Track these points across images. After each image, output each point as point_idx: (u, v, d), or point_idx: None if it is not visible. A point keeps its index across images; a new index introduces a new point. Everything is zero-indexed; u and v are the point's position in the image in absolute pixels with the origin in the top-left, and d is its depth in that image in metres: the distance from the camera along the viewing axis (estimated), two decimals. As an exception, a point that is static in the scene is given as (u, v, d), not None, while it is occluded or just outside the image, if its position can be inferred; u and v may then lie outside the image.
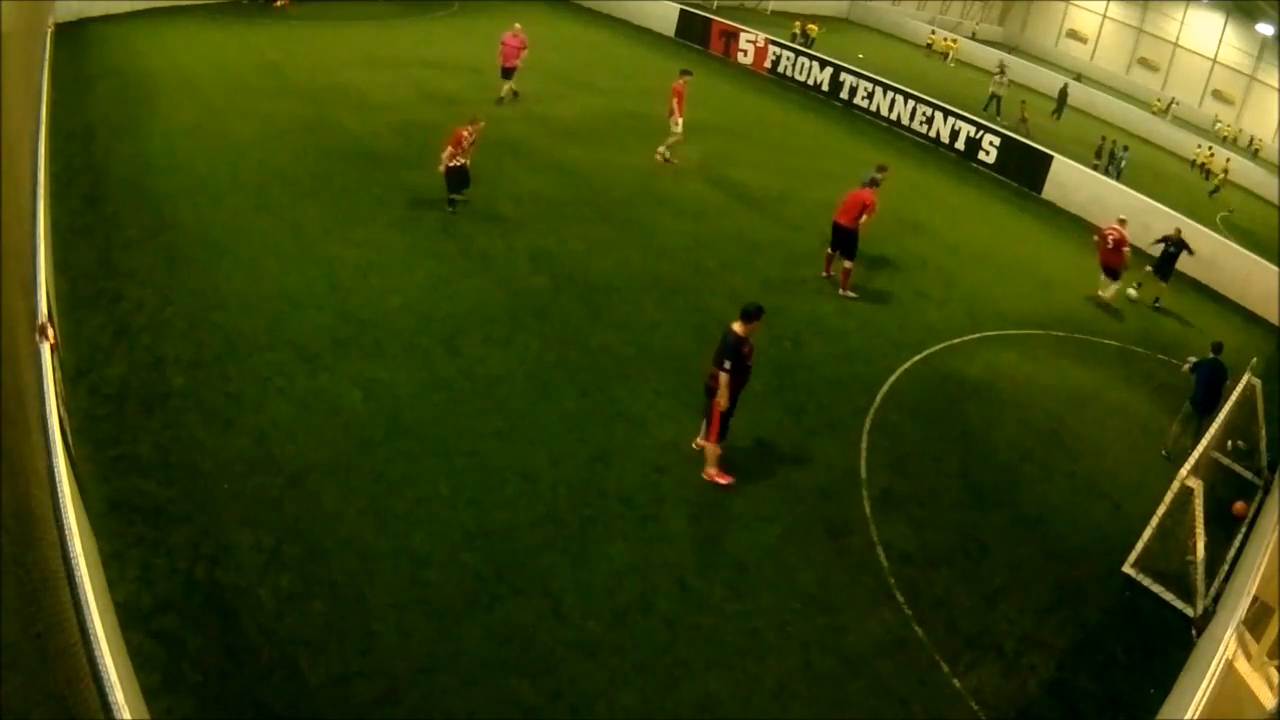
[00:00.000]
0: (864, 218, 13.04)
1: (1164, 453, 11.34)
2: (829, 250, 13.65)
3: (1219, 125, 43.97)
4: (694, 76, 17.84)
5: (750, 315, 8.22)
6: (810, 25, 36.13)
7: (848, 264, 13.36)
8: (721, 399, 8.28)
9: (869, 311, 13.26)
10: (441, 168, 13.07)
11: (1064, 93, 36.54)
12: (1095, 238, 15.83)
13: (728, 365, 8.13)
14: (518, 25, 19.31)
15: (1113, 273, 15.50)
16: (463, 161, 13.22)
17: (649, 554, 7.77)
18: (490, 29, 20.29)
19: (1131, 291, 16.17)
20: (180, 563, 6.68)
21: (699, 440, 8.96)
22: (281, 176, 13.52)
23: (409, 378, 9.42)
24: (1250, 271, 18.36)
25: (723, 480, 8.73)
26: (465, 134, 13.24)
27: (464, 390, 9.42)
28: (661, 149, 17.49)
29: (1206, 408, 11.07)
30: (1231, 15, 45.49)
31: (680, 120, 17.19)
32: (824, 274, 13.80)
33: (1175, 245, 16.08)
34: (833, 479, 9.30)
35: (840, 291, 13.44)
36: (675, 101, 17.04)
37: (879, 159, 22.01)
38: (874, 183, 13.64)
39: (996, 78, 31.82)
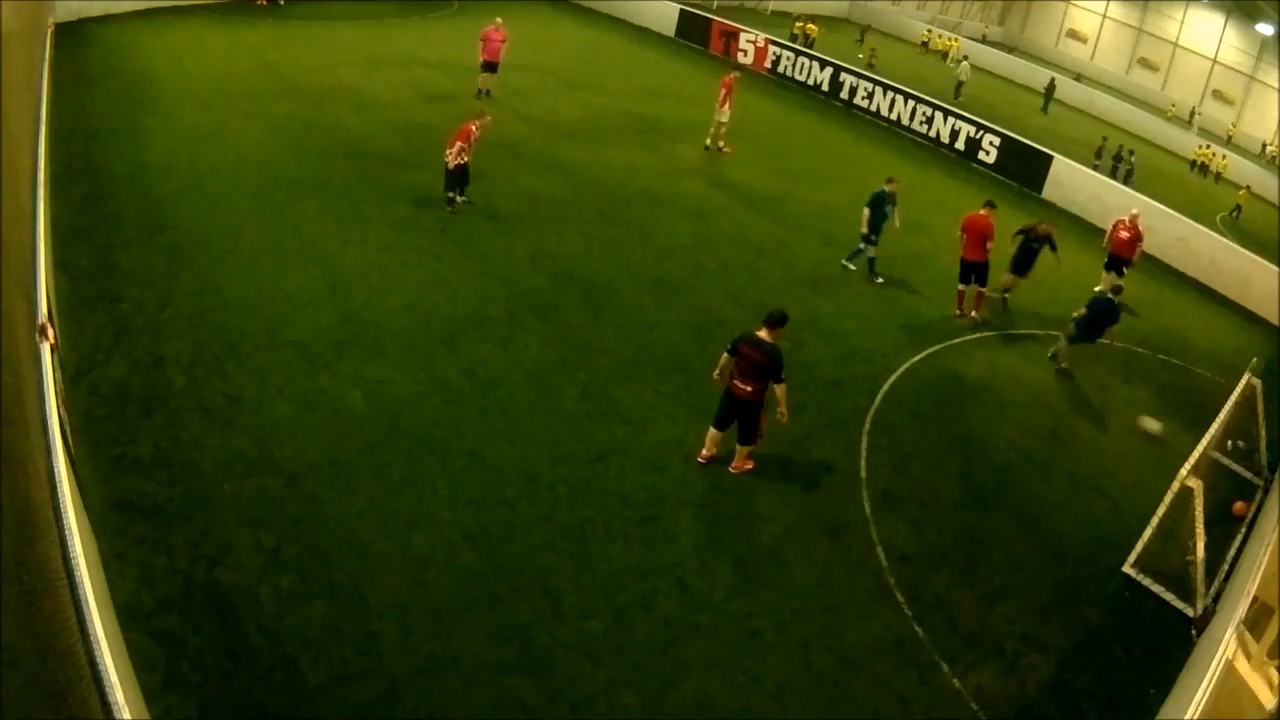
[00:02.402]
0: (989, 244, 13.16)
1: (1051, 355, 12.67)
2: (960, 287, 13.63)
3: (1230, 129, 44.05)
4: (740, 74, 19.93)
5: (779, 322, 8.30)
6: (810, 26, 36.09)
7: (982, 289, 13.50)
8: (784, 410, 8.39)
9: (869, 311, 13.27)
10: (451, 164, 13.08)
11: (1050, 88, 38.34)
12: (1123, 232, 15.64)
13: (783, 376, 8.26)
14: (499, 19, 19.43)
15: (1122, 264, 15.69)
16: (467, 160, 13.25)
17: (649, 554, 7.77)
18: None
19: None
20: (180, 563, 6.68)
21: (730, 464, 8.92)
22: (281, 176, 13.52)
23: (409, 378, 9.42)
24: (1250, 271, 18.37)
25: (750, 465, 8.91)
26: (474, 128, 13.27)
27: (464, 390, 9.42)
28: (710, 140, 19.02)
29: (1087, 336, 12.32)
30: (1231, 15, 45.49)
31: (727, 111, 18.78)
32: (957, 312, 13.73)
33: (1038, 240, 14.15)
34: (833, 479, 9.31)
35: (972, 314, 13.62)
36: (724, 93, 18.71)
37: (879, 159, 22.18)
38: (990, 205, 13.62)
39: (964, 64, 34.88)
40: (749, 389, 8.28)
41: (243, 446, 7.98)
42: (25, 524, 3.91)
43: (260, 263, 11.03)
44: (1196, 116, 44.33)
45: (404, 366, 9.59)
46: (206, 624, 6.25)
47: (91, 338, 9.07)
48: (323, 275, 11.01)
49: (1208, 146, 36.41)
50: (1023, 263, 14.26)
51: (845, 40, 38.50)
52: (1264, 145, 42.60)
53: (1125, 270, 15.70)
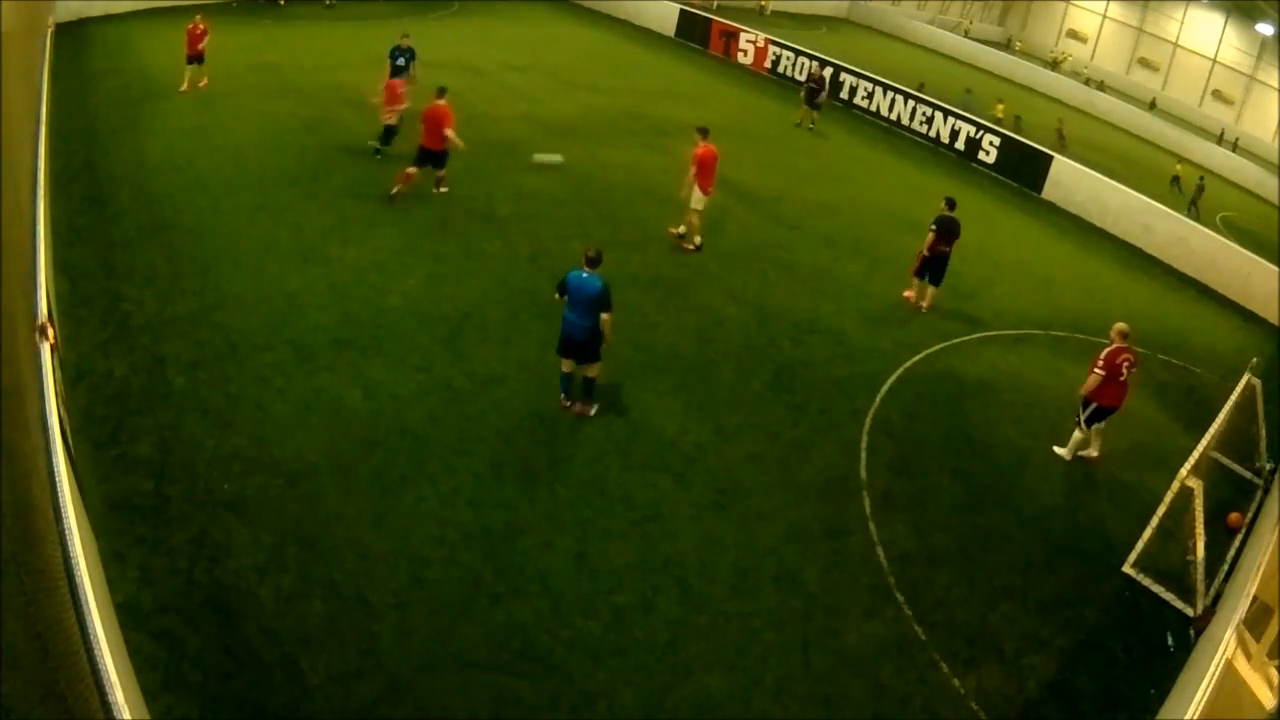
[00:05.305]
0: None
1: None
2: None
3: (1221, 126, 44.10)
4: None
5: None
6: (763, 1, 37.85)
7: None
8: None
9: (869, 311, 13.27)
10: (389, 120, 14.42)
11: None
12: (1100, 367, 10.02)
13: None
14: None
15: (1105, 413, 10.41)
16: (394, 120, 14.36)
17: (649, 554, 7.77)
18: (490, 29, 20.29)
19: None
20: (180, 563, 6.68)
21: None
22: (282, 176, 13.51)
23: (409, 378, 9.42)
24: (1250, 272, 18.37)
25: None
26: (398, 87, 14.53)
27: (464, 390, 9.42)
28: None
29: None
30: (1231, 15, 45.50)
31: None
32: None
33: (817, 83, 23.09)
34: (833, 479, 9.30)
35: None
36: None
37: (879, 159, 22.20)
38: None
39: None
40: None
41: (242, 446, 7.97)
42: (25, 524, 3.91)
43: (260, 262, 11.03)
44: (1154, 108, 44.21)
45: (404, 366, 9.59)
46: (206, 624, 6.25)
47: (91, 338, 9.07)
48: (323, 275, 11.01)
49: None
50: (809, 99, 15.38)
51: (846, 42, 38.48)
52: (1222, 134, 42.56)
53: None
